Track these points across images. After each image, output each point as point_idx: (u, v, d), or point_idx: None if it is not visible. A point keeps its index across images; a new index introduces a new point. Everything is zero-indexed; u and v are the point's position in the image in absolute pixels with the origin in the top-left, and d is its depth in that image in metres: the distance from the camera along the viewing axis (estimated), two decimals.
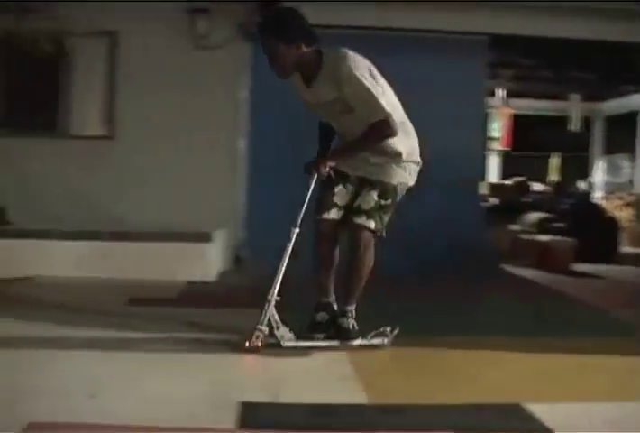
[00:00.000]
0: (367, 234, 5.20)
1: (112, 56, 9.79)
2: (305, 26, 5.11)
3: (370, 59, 5.10)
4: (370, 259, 5.25)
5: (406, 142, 5.24)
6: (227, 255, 9.54)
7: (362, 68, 4.97)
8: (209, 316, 6.36)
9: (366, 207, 5.20)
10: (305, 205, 5.29)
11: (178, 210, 9.30)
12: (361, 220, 5.19)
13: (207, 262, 8.59)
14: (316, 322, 5.38)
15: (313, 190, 5.33)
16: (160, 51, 9.69)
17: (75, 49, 9.64)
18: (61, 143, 9.71)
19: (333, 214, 5.35)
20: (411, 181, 5.37)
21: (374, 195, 5.21)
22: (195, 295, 7.64)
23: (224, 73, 9.77)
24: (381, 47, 9.75)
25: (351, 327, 5.26)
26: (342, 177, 5.36)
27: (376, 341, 5.30)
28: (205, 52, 9.74)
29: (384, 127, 5.01)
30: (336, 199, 5.35)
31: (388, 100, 5.10)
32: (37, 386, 4.31)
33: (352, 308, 5.32)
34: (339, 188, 5.35)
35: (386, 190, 5.24)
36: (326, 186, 5.37)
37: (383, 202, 5.22)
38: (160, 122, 9.66)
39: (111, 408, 3.97)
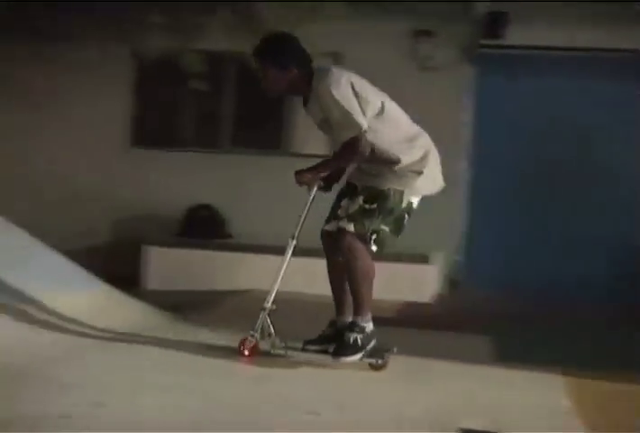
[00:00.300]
0: (348, 239, 5.05)
1: None
2: (297, 50, 5.17)
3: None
4: (361, 266, 5.08)
5: (407, 152, 5.11)
6: (442, 278, 9.47)
7: (342, 84, 4.94)
8: (427, 337, 6.38)
9: (350, 211, 5.09)
10: (303, 217, 5.32)
11: None
12: (342, 223, 5.08)
13: (425, 283, 8.57)
14: (318, 336, 5.29)
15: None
16: (383, 73, 9.61)
17: None
18: (283, 161, 9.92)
19: (332, 225, 5.26)
20: (408, 189, 5.14)
21: (360, 199, 5.08)
22: (412, 316, 7.62)
23: (447, 95, 9.74)
24: (583, 67, 9.62)
25: (352, 341, 5.04)
26: (352, 189, 5.25)
27: (369, 360, 5.10)
28: (429, 74, 9.75)
29: (354, 145, 4.94)
30: (340, 212, 5.23)
31: (377, 113, 5.05)
32: (279, 396, 4.43)
33: (360, 320, 5.11)
34: (345, 201, 5.23)
35: (372, 195, 5.08)
36: (337, 198, 5.31)
37: (367, 206, 5.05)
38: None
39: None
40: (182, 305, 7.10)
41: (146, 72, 9.34)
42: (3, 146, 10.30)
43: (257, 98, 9.95)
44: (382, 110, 5.08)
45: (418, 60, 9.79)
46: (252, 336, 5.15)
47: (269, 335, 5.14)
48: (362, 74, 9.44)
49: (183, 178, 9.92)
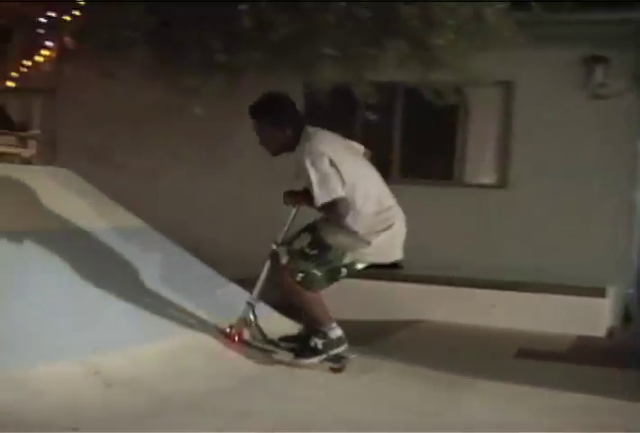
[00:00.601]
0: (284, 273, 5.43)
1: (506, 105, 9.86)
2: (291, 111, 5.51)
3: None
4: (290, 288, 5.42)
5: (366, 223, 5.30)
6: (615, 312, 9.18)
7: (315, 154, 5.19)
8: (598, 375, 6.15)
9: (294, 246, 5.46)
10: (286, 227, 5.69)
11: (564, 261, 9.08)
12: (283, 255, 5.47)
13: (599, 317, 8.33)
14: (296, 335, 5.80)
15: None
16: (553, 100, 9.60)
17: (471, 99, 9.80)
18: (455, 192, 9.89)
19: (280, 249, 5.57)
20: (351, 253, 5.40)
21: (306, 241, 5.43)
22: (585, 351, 7.40)
23: (619, 123, 9.47)
24: None
25: (313, 345, 5.44)
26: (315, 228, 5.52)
27: (328, 363, 5.49)
28: (600, 102, 9.51)
29: (332, 210, 5.22)
30: (295, 242, 5.51)
31: (349, 180, 5.22)
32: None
33: (323, 328, 5.46)
34: (305, 234, 5.50)
35: (317, 242, 5.40)
36: (305, 228, 5.58)
37: (307, 250, 5.40)
38: (552, 171, 9.54)
39: None
40: (355, 335, 7.09)
41: (316, 104, 9.44)
42: (183, 178, 10.64)
43: (427, 129, 10.10)
44: (356, 182, 5.30)
45: (591, 88, 9.56)
46: (238, 324, 5.66)
47: (252, 326, 5.65)
48: (533, 103, 9.50)
49: None
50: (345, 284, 8.89)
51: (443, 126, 10.09)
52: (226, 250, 9.59)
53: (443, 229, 9.70)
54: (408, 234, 9.55)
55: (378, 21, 7.74)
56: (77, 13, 9.00)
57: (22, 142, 7.51)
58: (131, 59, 8.59)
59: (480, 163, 10.14)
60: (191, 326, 5.77)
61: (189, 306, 5.99)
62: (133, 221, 6.98)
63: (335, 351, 5.45)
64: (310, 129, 5.40)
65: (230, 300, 6.46)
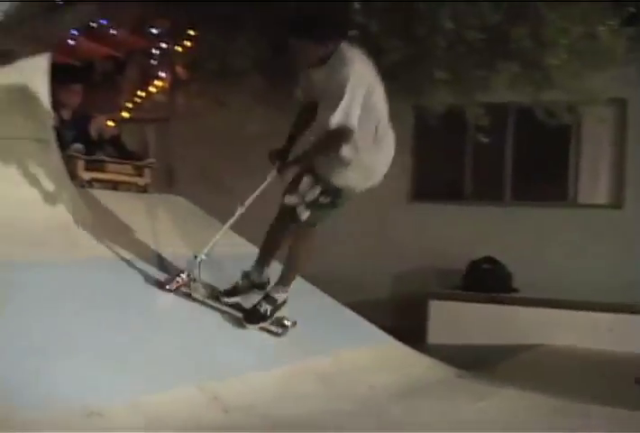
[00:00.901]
0: (304, 228, 5.48)
1: (620, 123, 9.69)
2: (333, 25, 5.38)
3: None
4: (304, 251, 5.60)
5: (373, 154, 5.33)
6: None
7: (360, 80, 5.09)
8: None
9: (308, 198, 5.40)
10: (256, 193, 5.49)
11: None
12: (300, 209, 5.40)
13: None
14: (233, 288, 5.76)
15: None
16: None
17: (584, 117, 9.65)
18: (570, 213, 9.74)
19: (292, 199, 5.49)
20: (355, 186, 5.45)
21: (318, 190, 5.38)
22: None
23: None
24: None
25: (263, 311, 5.60)
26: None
27: (273, 328, 5.68)
28: None
29: (337, 136, 5.11)
30: (301, 188, 5.45)
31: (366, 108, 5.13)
32: None
33: (279, 295, 5.61)
34: (306, 177, 5.42)
35: (328, 190, 5.38)
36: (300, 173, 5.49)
37: (322, 199, 5.40)
38: None
39: None
40: (473, 360, 7.04)
41: (426, 126, 9.45)
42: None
43: (540, 149, 9.98)
44: (377, 114, 5.28)
45: None
46: (180, 276, 5.59)
47: (194, 280, 5.62)
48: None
49: (465, 231, 9.91)
50: (454, 307, 8.91)
51: (555, 146, 9.97)
52: (339, 275, 9.62)
53: (559, 251, 9.57)
54: (522, 256, 9.56)
55: (488, 42, 7.70)
56: (188, 43, 9.18)
57: (138, 171, 7.67)
58: (242, 87, 8.72)
59: (594, 183, 9.98)
60: (304, 352, 5.75)
61: (302, 331, 5.99)
62: (247, 247, 7.04)
63: (278, 313, 5.67)
64: (345, 47, 5.26)
65: (344, 325, 6.48)
